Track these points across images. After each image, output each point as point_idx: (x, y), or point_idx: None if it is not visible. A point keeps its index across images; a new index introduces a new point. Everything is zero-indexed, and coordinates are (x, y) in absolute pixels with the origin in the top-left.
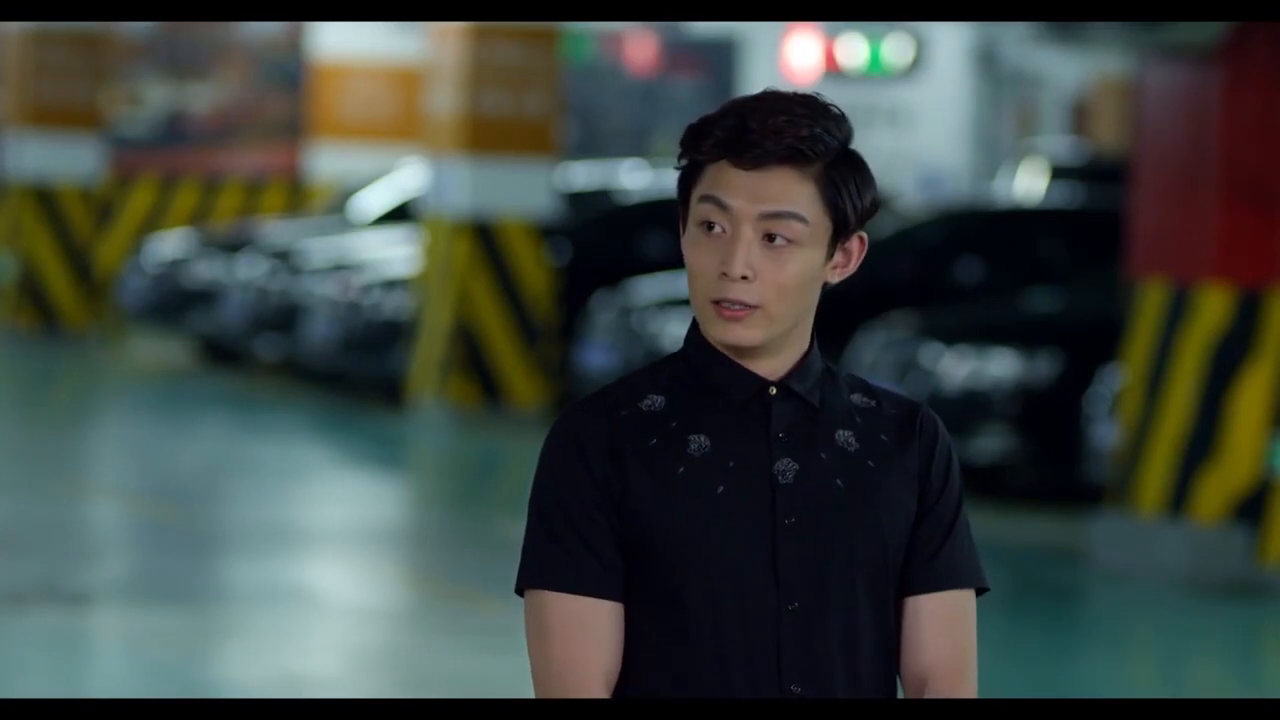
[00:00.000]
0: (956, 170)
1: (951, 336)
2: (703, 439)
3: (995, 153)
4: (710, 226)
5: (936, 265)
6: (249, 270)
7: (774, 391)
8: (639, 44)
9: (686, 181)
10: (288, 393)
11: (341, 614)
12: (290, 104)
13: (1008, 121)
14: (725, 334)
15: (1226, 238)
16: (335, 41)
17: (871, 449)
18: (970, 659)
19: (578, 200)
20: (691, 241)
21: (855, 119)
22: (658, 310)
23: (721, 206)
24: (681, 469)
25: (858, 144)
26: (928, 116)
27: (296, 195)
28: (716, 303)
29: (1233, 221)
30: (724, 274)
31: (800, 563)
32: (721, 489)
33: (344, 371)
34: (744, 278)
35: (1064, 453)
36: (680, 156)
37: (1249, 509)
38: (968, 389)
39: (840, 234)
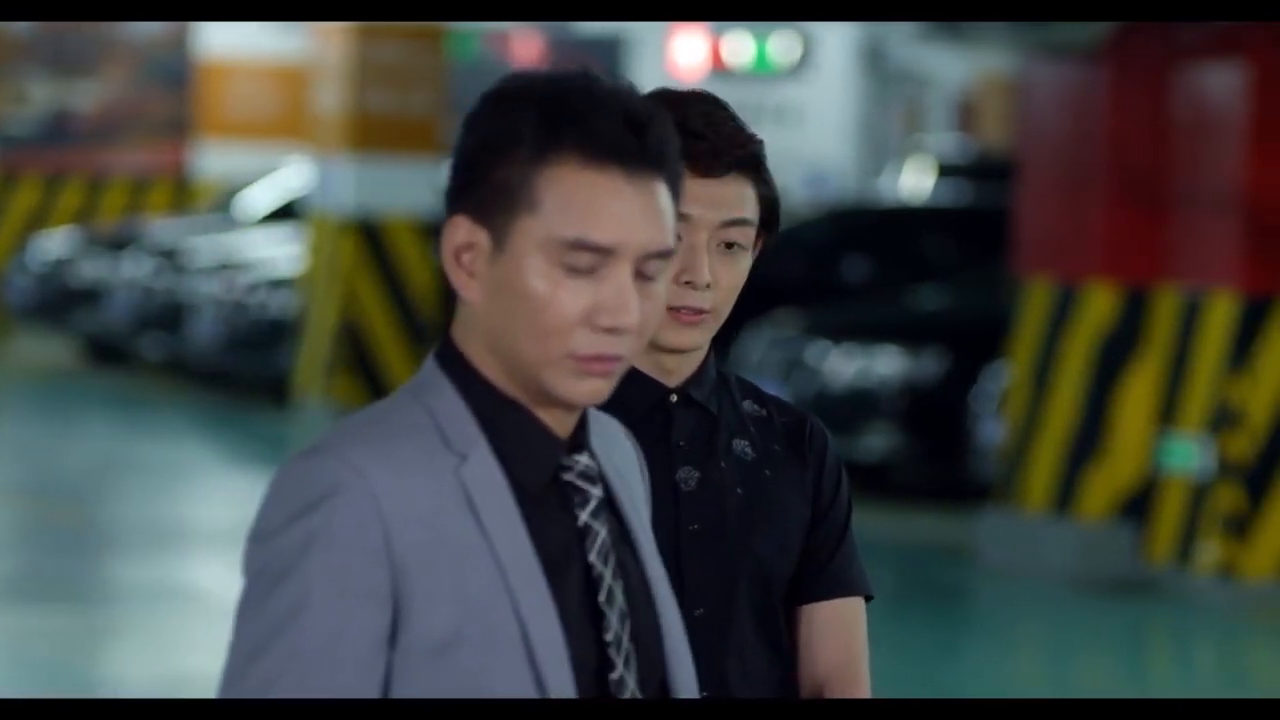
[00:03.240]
0: (843, 168)
1: (838, 334)
2: None
3: (882, 151)
4: None
5: (823, 263)
6: (134, 269)
7: (675, 399)
8: (525, 42)
9: None
10: (173, 392)
11: (228, 613)
12: (175, 102)
13: (894, 119)
14: (680, 340)
15: (1112, 236)
16: (220, 39)
17: (767, 458)
18: (864, 664)
19: None
20: None
21: (742, 117)
22: None
23: (681, 216)
24: None
25: None
26: (814, 114)
27: (182, 194)
28: (674, 309)
29: (1118, 219)
30: (688, 282)
31: (704, 569)
32: None
33: (230, 370)
34: (706, 285)
35: (950, 450)
36: None
37: (1135, 506)
38: (854, 387)
39: (763, 232)
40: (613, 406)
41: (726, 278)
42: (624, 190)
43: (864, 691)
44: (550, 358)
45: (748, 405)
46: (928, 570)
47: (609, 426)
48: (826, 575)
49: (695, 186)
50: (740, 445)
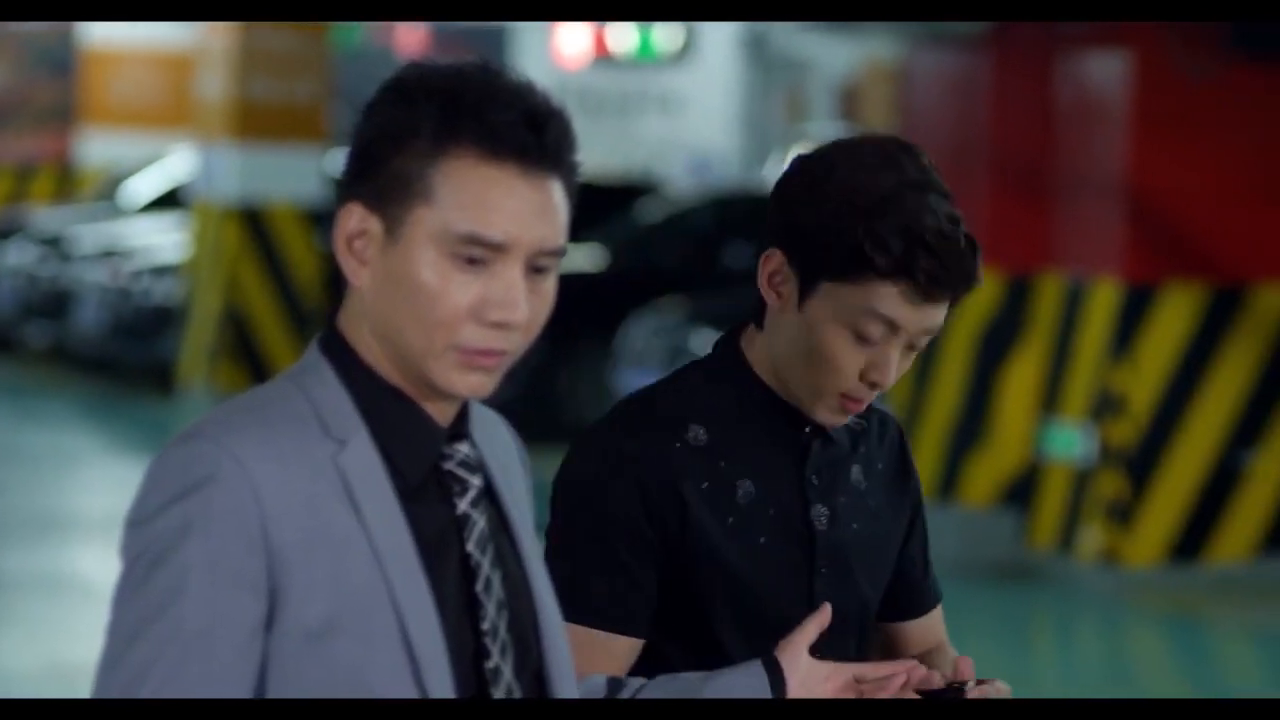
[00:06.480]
0: (726, 156)
1: (721, 322)
2: (749, 484)
3: (765, 138)
4: (869, 341)
5: (706, 250)
6: (19, 256)
7: (809, 430)
8: (409, 31)
9: (826, 261)
10: (57, 379)
11: None
12: (60, 90)
13: (777, 107)
14: (836, 421)
15: (995, 223)
16: (105, 28)
17: (874, 484)
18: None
19: None
20: (835, 339)
21: (625, 105)
22: None
23: (894, 329)
24: (731, 519)
25: (630, 131)
26: (698, 102)
27: (67, 181)
28: (845, 395)
29: (1001, 207)
30: (874, 384)
31: (832, 611)
32: (764, 539)
33: (114, 358)
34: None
35: None
36: (829, 249)
37: (1018, 492)
38: None
39: None
40: (755, 436)
41: (900, 374)
42: (519, 187)
43: None
44: (435, 349)
45: (851, 420)
46: None
47: (489, 418)
48: (927, 585)
49: (911, 308)
50: (855, 473)
